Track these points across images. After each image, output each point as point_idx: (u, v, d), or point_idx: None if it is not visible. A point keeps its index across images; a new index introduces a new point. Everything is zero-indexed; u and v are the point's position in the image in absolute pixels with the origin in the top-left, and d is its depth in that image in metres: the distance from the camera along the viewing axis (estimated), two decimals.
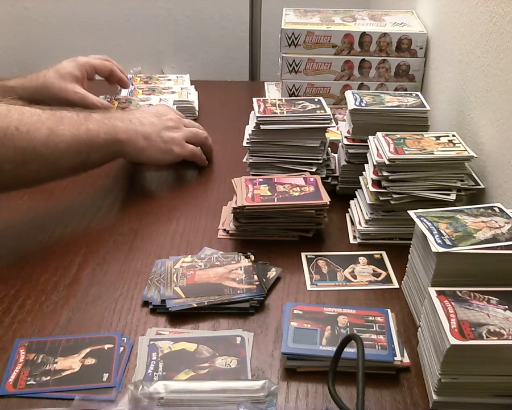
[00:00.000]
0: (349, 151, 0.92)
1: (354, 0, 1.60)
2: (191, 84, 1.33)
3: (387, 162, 0.80)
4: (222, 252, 0.80)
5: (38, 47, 1.81)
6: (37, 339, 0.66)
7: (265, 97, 1.29)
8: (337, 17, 1.23)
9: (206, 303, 0.70)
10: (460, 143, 0.84)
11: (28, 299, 0.72)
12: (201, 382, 0.60)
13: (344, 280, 0.77)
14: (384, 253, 0.82)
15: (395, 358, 0.62)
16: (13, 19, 1.79)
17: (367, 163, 0.87)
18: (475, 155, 0.81)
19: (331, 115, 0.92)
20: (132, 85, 1.30)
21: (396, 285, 0.76)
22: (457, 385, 0.57)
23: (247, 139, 0.93)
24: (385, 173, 0.80)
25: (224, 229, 0.86)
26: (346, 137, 0.93)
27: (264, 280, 0.74)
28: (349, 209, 0.90)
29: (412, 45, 1.17)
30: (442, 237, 0.65)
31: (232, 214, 0.84)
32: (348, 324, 0.66)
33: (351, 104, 0.92)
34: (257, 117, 0.91)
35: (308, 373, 0.62)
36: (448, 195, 0.80)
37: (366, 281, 0.77)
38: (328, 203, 0.82)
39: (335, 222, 0.89)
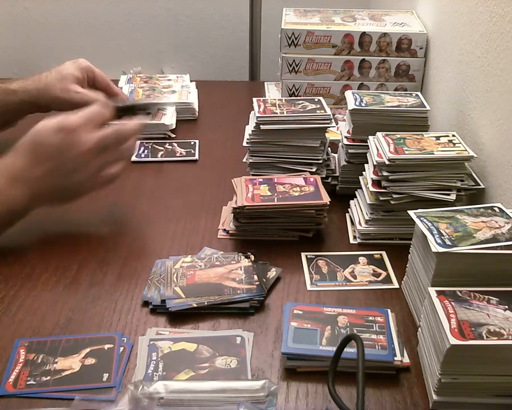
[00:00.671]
0: (349, 151, 0.92)
1: (354, 0, 1.59)
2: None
3: (387, 162, 0.80)
4: (222, 252, 0.80)
5: (38, 47, 1.81)
6: (37, 339, 0.66)
7: (265, 97, 1.29)
8: (337, 17, 1.23)
9: (206, 303, 0.70)
10: (460, 143, 0.84)
11: (28, 299, 0.72)
12: (201, 382, 0.60)
13: (344, 280, 0.77)
14: (384, 253, 0.82)
15: (395, 358, 0.62)
16: (13, 19, 1.79)
17: (367, 163, 0.87)
18: (475, 155, 0.81)
19: (331, 115, 0.92)
20: (133, 84, 1.30)
21: (396, 285, 0.76)
22: (457, 385, 0.57)
23: (247, 139, 0.93)
24: (385, 173, 0.80)
25: (224, 229, 0.86)
26: (346, 137, 0.93)
27: (264, 280, 0.74)
28: (349, 209, 0.90)
29: (412, 45, 1.17)
30: (442, 237, 0.65)
31: (232, 214, 0.84)
32: (348, 324, 0.66)
33: (351, 104, 0.92)
34: (257, 117, 0.91)
35: (308, 373, 0.62)
36: (448, 195, 0.80)
37: (366, 281, 0.77)
38: (328, 203, 0.82)
39: (335, 222, 0.89)
